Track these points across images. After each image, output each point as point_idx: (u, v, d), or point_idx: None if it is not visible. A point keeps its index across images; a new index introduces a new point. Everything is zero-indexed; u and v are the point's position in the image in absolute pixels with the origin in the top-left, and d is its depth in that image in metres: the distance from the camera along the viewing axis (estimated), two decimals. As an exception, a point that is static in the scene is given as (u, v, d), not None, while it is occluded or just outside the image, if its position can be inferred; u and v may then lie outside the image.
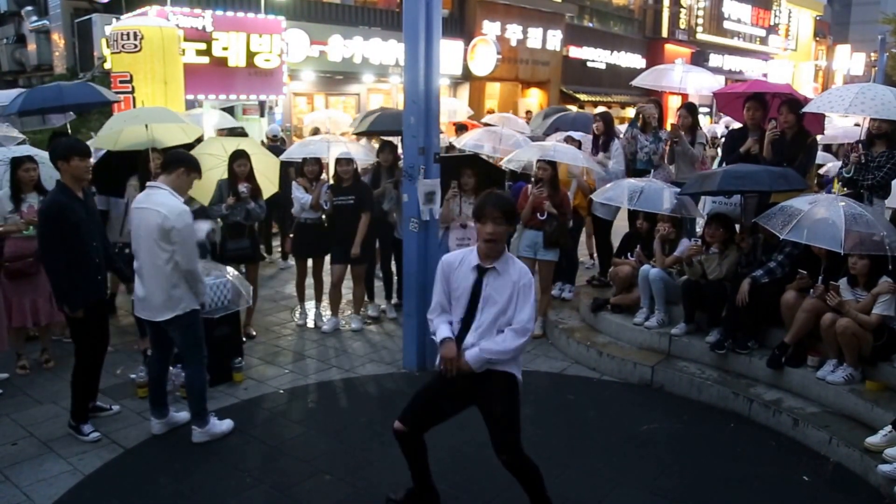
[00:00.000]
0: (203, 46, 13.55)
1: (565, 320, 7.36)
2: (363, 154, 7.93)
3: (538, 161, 6.95)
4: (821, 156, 8.57)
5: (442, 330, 3.86)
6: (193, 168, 4.89)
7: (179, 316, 4.81)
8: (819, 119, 6.98)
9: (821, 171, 9.34)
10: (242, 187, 6.76)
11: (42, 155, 6.56)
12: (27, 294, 6.06)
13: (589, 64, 25.33)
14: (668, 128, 7.97)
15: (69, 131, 8.73)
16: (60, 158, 4.86)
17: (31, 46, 17.46)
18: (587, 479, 4.61)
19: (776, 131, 6.46)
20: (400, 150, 7.64)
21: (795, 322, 5.50)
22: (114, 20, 12.27)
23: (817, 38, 42.91)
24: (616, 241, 7.79)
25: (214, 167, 7.08)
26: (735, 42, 33.35)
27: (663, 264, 6.54)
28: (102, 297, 5.19)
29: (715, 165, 8.98)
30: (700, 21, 30.38)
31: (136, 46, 10.15)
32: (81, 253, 4.88)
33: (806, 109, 6.31)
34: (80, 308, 4.91)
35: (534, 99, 23.13)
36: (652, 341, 6.48)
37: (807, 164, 6.55)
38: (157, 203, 4.67)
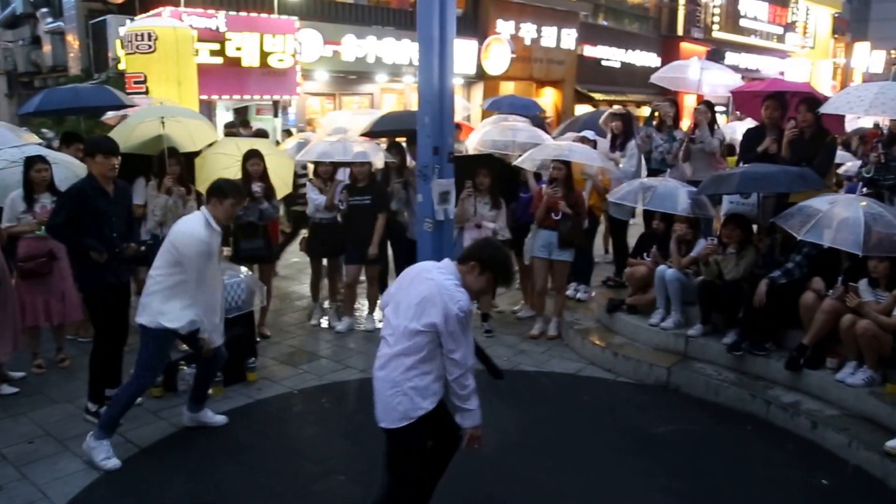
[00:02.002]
0: (217, 47, 13.58)
1: (580, 321, 7.32)
2: (380, 155, 7.92)
3: (553, 161, 6.91)
4: (840, 155, 8.46)
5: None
6: (223, 195, 4.85)
7: (146, 328, 4.80)
8: (839, 118, 6.88)
9: (840, 171, 9.24)
10: (256, 187, 6.76)
11: (55, 156, 6.60)
12: (40, 294, 6.09)
13: (603, 63, 25.20)
14: (684, 127, 7.90)
15: (82, 132, 8.75)
16: (87, 154, 5.17)
17: (47, 48, 17.56)
18: (602, 481, 4.57)
19: (795, 130, 6.36)
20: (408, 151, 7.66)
21: (814, 323, 5.43)
22: (128, 21, 12.33)
23: (836, 36, 42.42)
24: (632, 242, 7.74)
25: (228, 167, 7.10)
26: (751, 40, 33.09)
27: (680, 265, 6.48)
28: (118, 286, 5.29)
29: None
30: (716, 19, 30.16)
31: (150, 47, 10.19)
32: (98, 239, 5.08)
33: (823, 110, 6.19)
34: (90, 293, 5.24)
35: (548, 98, 23.04)
36: (668, 342, 6.42)
37: (826, 164, 6.44)
38: (185, 224, 4.80)
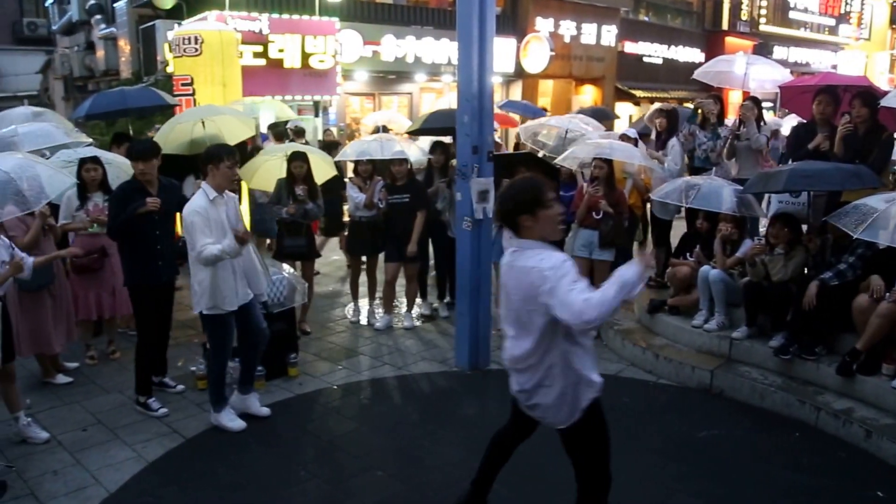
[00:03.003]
0: (260, 49, 13.75)
1: (620, 322, 7.23)
2: (418, 154, 7.95)
3: (594, 159, 6.84)
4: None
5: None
6: (217, 158, 4.96)
7: (204, 317, 5.07)
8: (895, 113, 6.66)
9: (896, 168, 8.96)
10: (299, 190, 6.84)
11: (108, 156, 6.79)
12: (92, 288, 6.33)
13: (645, 59, 24.85)
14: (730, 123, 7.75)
15: (131, 133, 8.95)
16: (129, 158, 5.52)
17: (100, 53, 18.00)
18: (642, 485, 4.50)
19: (849, 126, 6.11)
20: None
21: (869, 327, 5.22)
22: (176, 26, 12.52)
23: (893, 26, 41.08)
24: (674, 242, 7.62)
25: (274, 165, 7.33)
26: (801, 33, 32.33)
27: (724, 265, 6.35)
28: (159, 282, 5.53)
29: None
30: (763, 12, 29.53)
31: (196, 50, 10.31)
32: (139, 237, 5.36)
33: (885, 103, 5.97)
34: (133, 289, 5.50)
35: (588, 96, 22.82)
36: (711, 345, 6.30)
37: (882, 161, 6.15)
38: (186, 205, 4.96)
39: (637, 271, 3.11)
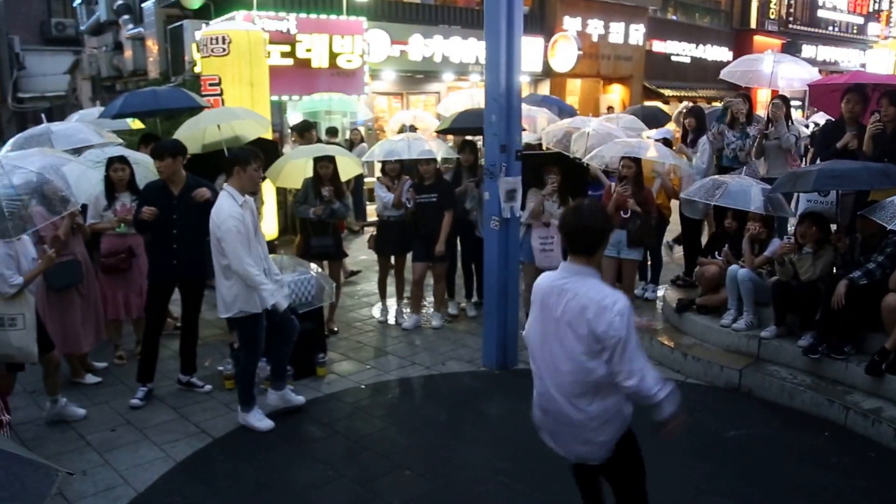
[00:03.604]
0: (287, 49, 13.82)
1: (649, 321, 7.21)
2: (443, 150, 7.97)
3: (622, 158, 6.82)
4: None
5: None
6: (246, 162, 5.00)
7: (235, 318, 5.10)
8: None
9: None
10: (325, 191, 6.88)
11: (135, 156, 6.85)
12: (120, 288, 6.37)
13: (673, 58, 24.70)
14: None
15: (160, 133, 9.05)
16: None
17: (128, 53, 18.15)
18: (671, 485, 4.48)
19: (878, 125, 6.07)
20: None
21: (898, 326, 5.19)
22: (203, 26, 12.62)
23: (923, 24, 40.54)
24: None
25: (300, 163, 7.40)
26: (830, 31, 31.98)
27: (752, 264, 6.31)
28: (172, 280, 5.70)
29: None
30: (791, 10, 29.25)
31: (224, 50, 10.41)
32: (156, 235, 5.60)
33: None
34: (149, 283, 5.74)
35: (615, 95, 22.73)
36: (740, 344, 6.27)
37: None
38: (214, 208, 4.95)
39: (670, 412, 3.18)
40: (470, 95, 12.15)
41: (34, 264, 4.97)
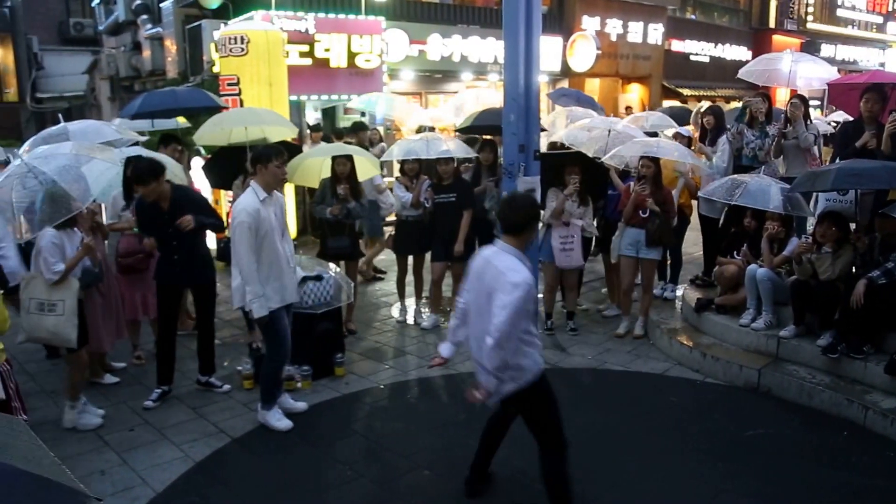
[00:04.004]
0: (306, 48, 13.84)
1: (667, 320, 7.21)
2: (462, 150, 7.97)
3: (641, 158, 6.82)
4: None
5: None
6: (268, 159, 5.04)
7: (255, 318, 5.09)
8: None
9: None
10: (340, 189, 6.91)
11: (154, 156, 6.87)
12: (137, 288, 6.41)
13: (692, 57, 24.57)
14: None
15: (179, 134, 9.13)
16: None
17: (146, 53, 18.22)
18: (690, 484, 4.50)
19: None
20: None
21: (917, 326, 5.19)
22: (222, 25, 12.68)
23: (943, 24, 40.04)
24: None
25: (316, 162, 7.43)
26: (849, 31, 31.73)
27: (771, 264, 6.29)
28: (176, 284, 5.77)
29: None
30: (811, 10, 29.04)
31: (242, 50, 10.48)
32: (160, 242, 5.67)
33: None
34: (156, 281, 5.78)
35: (634, 94, 22.64)
36: (759, 343, 6.25)
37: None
38: (236, 202, 5.04)
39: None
40: (476, 96, 12.19)
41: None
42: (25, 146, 7.05)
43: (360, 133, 9.69)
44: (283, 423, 5.25)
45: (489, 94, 13.11)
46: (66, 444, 5.06)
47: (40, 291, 4.99)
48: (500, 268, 3.67)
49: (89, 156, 5.13)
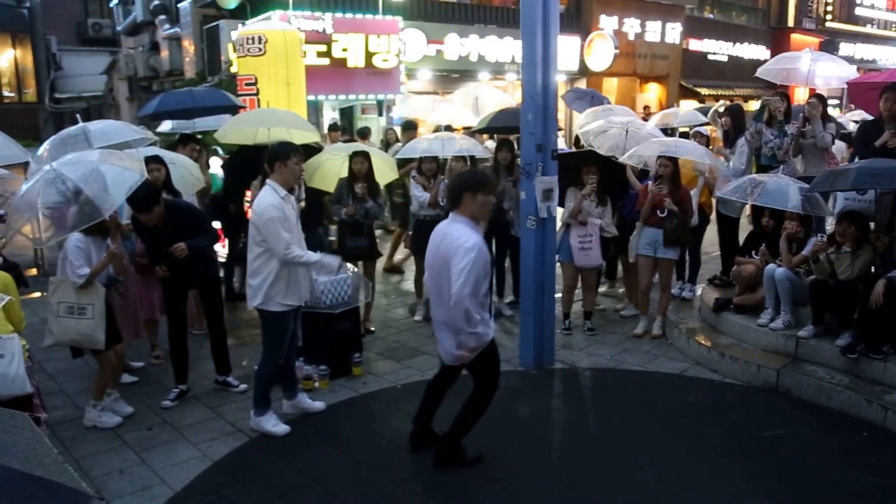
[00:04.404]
0: (323, 48, 13.90)
1: (685, 320, 7.18)
2: (479, 150, 7.99)
3: (659, 157, 6.80)
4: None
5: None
6: (286, 157, 5.03)
7: (259, 309, 5.08)
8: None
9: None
10: (358, 188, 6.93)
11: (171, 156, 6.93)
12: (155, 288, 6.38)
13: (710, 56, 24.49)
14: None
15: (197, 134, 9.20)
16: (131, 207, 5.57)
17: (164, 53, 18.34)
18: (708, 484, 4.48)
19: None
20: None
21: (937, 326, 5.14)
22: (239, 25, 12.74)
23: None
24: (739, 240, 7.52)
25: (335, 164, 7.40)
26: (868, 29, 31.48)
27: (790, 264, 6.25)
28: (181, 286, 5.76)
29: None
30: (829, 8, 28.84)
31: (260, 50, 10.53)
32: (158, 254, 5.59)
33: None
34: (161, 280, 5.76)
35: (652, 94, 22.58)
36: (777, 343, 6.22)
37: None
38: (256, 202, 4.99)
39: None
40: (475, 96, 12.18)
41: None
42: (45, 146, 7.09)
43: (410, 132, 9.73)
44: (280, 429, 5.17)
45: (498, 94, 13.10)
46: (85, 443, 5.09)
47: (69, 295, 5.04)
48: (454, 235, 4.18)
49: (116, 164, 5.17)
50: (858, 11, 30.89)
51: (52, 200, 4.88)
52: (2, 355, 3.96)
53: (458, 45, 16.67)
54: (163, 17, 18.05)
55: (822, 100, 7.69)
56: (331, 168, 7.49)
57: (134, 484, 4.54)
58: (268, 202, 4.88)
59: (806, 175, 7.24)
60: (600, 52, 19.60)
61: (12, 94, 24.92)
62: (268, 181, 5.06)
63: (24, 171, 7.69)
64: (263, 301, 5.01)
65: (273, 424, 5.18)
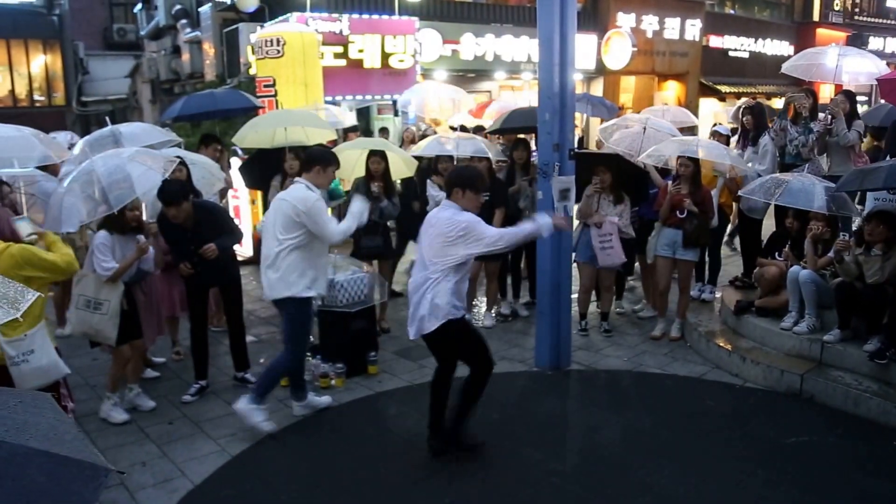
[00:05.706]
0: (340, 49, 13.95)
1: (705, 323, 7.06)
2: (494, 152, 7.94)
3: (679, 157, 6.69)
4: None
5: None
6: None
7: (284, 299, 5.08)
8: None
9: None
10: (374, 187, 6.90)
11: (192, 157, 6.98)
12: (176, 285, 6.45)
13: (731, 53, 24.21)
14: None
15: (218, 135, 9.23)
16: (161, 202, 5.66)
17: (185, 56, 18.55)
18: (729, 491, 4.38)
19: None
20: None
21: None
22: (258, 28, 12.81)
23: None
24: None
25: (350, 156, 7.41)
26: (898, 22, 30.97)
27: (815, 266, 6.10)
28: (202, 284, 5.85)
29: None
30: (858, 1, 28.38)
31: (278, 52, 10.56)
32: (183, 254, 5.69)
33: None
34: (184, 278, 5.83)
35: (671, 92, 22.37)
36: (801, 348, 6.08)
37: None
38: (292, 195, 5.03)
39: (544, 226, 4.66)
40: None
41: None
42: (80, 145, 7.31)
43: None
44: (267, 426, 5.19)
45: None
46: (109, 436, 5.20)
47: (90, 289, 5.21)
48: (447, 215, 4.52)
49: (142, 163, 5.31)
50: (888, 3, 30.30)
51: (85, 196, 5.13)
52: (32, 350, 4.03)
53: (474, 44, 16.63)
54: (184, 21, 18.23)
55: (850, 96, 7.52)
56: (346, 160, 7.47)
57: (156, 476, 4.64)
58: (314, 196, 4.98)
59: (831, 174, 7.09)
60: (618, 50, 19.44)
61: (42, 98, 25.66)
62: (301, 179, 5.12)
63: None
64: (289, 290, 5.04)
65: (264, 419, 5.20)
